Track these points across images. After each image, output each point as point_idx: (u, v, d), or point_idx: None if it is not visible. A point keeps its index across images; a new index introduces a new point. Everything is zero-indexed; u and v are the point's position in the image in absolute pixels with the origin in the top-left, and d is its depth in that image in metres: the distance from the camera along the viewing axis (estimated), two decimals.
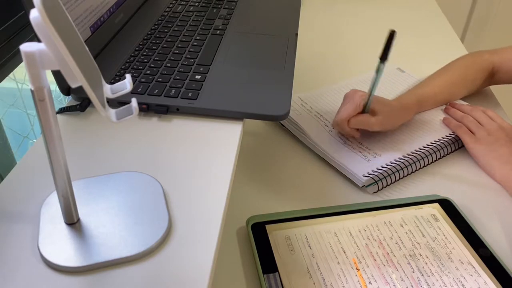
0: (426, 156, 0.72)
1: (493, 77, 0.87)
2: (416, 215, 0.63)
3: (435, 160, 0.74)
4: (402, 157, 0.71)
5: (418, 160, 0.71)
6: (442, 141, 0.75)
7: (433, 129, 0.78)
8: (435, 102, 0.84)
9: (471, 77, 0.86)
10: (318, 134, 0.76)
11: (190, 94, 0.57)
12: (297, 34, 0.73)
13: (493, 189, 0.70)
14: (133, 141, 0.52)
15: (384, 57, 0.66)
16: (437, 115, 0.82)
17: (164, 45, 0.68)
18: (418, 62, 0.97)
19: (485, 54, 0.87)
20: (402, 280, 0.54)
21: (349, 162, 0.70)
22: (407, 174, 0.71)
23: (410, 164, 0.71)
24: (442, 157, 0.75)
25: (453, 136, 0.76)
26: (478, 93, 0.90)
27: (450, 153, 0.76)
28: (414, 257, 0.57)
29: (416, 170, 0.72)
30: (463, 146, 0.76)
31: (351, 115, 0.72)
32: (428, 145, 0.74)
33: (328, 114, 0.80)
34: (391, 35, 0.64)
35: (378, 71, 0.68)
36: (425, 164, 0.73)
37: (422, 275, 0.55)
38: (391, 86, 0.89)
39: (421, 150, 0.72)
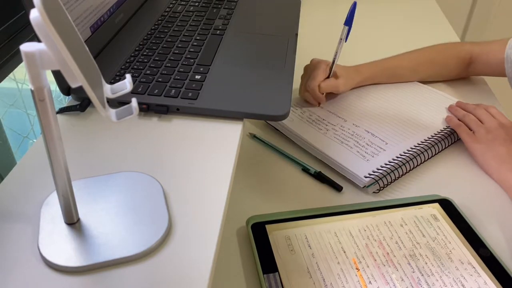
0: (426, 150, 0.73)
1: (469, 66, 0.91)
2: (416, 215, 0.63)
3: (434, 155, 0.75)
4: (400, 155, 0.71)
5: (415, 157, 0.72)
6: (438, 135, 0.76)
7: (428, 125, 0.78)
8: (394, 75, 0.88)
9: (441, 61, 0.90)
10: (313, 136, 0.76)
11: (190, 94, 0.57)
12: (297, 34, 0.73)
13: (493, 189, 0.70)
14: (133, 141, 0.52)
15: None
16: (434, 112, 0.82)
17: (164, 45, 0.68)
18: None
19: (466, 44, 0.91)
20: (402, 280, 0.54)
21: (349, 163, 0.70)
22: (407, 171, 0.71)
23: (408, 162, 0.71)
24: (441, 151, 0.76)
25: (448, 129, 0.78)
26: (479, 91, 0.90)
27: (448, 146, 0.77)
28: (414, 257, 0.57)
29: (415, 166, 0.72)
30: (460, 138, 0.77)
31: (321, 80, 0.79)
32: (425, 141, 0.74)
33: (322, 114, 0.80)
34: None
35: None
36: (424, 159, 0.73)
37: (422, 275, 0.55)
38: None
39: (418, 147, 0.73)
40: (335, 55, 0.78)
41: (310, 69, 0.82)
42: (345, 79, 0.82)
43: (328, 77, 0.80)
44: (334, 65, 0.79)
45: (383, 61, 0.89)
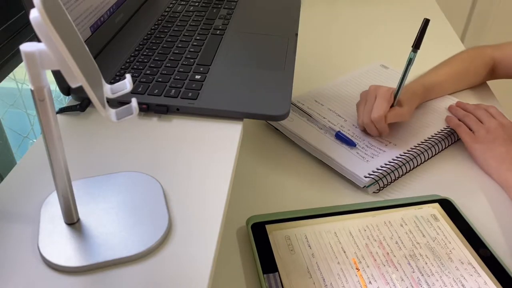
0: (426, 151, 0.73)
1: (494, 71, 0.90)
2: (416, 215, 0.63)
3: (434, 155, 0.75)
4: (400, 156, 0.71)
5: (415, 157, 0.72)
6: (438, 135, 0.76)
7: (428, 125, 0.79)
8: (441, 90, 0.86)
9: (474, 70, 0.89)
10: (313, 136, 0.75)
11: (190, 94, 0.57)
12: (297, 34, 0.73)
13: (493, 189, 0.70)
14: (133, 141, 0.52)
15: (417, 46, 0.69)
16: (434, 112, 0.82)
17: (164, 45, 0.68)
18: (419, 62, 0.96)
19: (487, 49, 0.90)
20: (402, 280, 0.54)
21: (348, 163, 0.70)
22: (407, 171, 0.71)
23: (408, 162, 0.71)
24: (441, 151, 0.76)
25: (448, 129, 0.78)
26: (479, 91, 0.90)
27: (448, 146, 0.77)
28: (414, 257, 0.57)
29: (415, 167, 0.72)
30: (460, 138, 0.77)
31: (387, 110, 0.72)
32: (425, 141, 0.74)
33: (323, 113, 0.80)
34: (426, 24, 0.66)
35: (410, 60, 0.70)
36: (424, 160, 0.73)
37: (422, 275, 0.55)
38: (376, 83, 0.90)
39: (418, 147, 0.73)
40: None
41: (370, 97, 0.74)
42: (409, 106, 0.75)
43: (392, 105, 0.73)
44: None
45: (428, 78, 0.84)
